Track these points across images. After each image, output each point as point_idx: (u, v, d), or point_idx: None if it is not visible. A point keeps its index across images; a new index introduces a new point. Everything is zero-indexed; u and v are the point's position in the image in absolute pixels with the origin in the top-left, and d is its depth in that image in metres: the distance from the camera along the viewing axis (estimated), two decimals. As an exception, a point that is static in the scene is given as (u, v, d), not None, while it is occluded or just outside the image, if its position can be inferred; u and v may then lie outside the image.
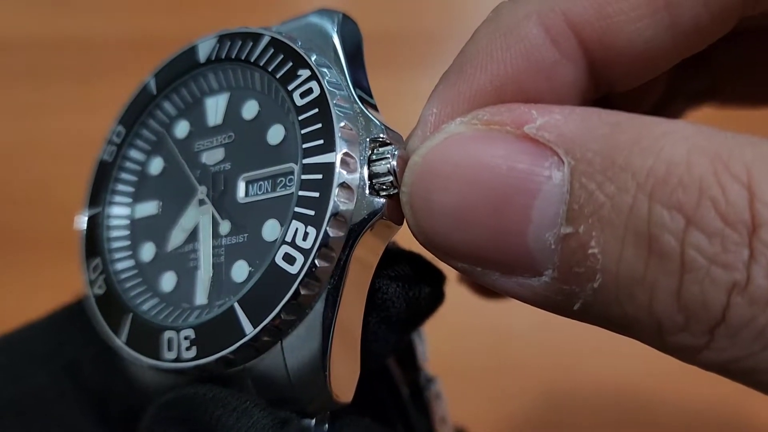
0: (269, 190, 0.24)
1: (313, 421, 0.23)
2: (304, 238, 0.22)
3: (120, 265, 0.27)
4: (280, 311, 0.22)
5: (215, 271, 0.25)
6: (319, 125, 0.23)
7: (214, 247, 0.25)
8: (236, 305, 0.23)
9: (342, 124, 0.23)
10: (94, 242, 0.27)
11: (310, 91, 0.23)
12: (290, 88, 0.24)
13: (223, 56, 0.26)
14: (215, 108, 0.27)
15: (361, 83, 0.25)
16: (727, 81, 0.31)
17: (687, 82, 0.31)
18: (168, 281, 0.26)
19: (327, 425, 0.24)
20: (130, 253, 0.27)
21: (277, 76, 0.24)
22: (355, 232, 0.22)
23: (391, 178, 0.22)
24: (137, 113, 0.28)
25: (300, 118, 0.23)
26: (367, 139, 0.23)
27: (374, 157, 0.23)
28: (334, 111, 0.23)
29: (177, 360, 0.23)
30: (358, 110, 0.24)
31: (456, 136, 0.21)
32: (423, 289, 0.25)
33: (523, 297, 0.20)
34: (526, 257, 0.19)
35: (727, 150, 0.17)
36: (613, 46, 0.22)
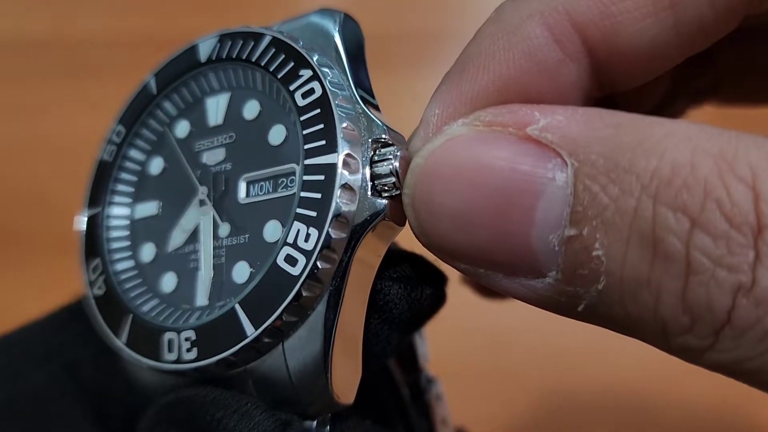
0: (270, 190, 0.24)
1: (315, 423, 0.23)
2: (306, 240, 0.22)
3: (120, 266, 0.26)
4: (281, 313, 0.22)
5: (216, 272, 0.24)
6: (321, 126, 0.23)
7: (214, 248, 0.25)
8: (237, 306, 0.22)
9: (344, 124, 0.22)
10: (93, 243, 0.27)
11: (311, 91, 0.23)
12: (292, 88, 0.24)
13: (224, 56, 0.26)
14: (216, 108, 0.26)
15: (363, 83, 0.25)
16: (729, 79, 0.31)
17: (690, 81, 0.31)
18: (168, 282, 0.26)
19: (328, 427, 0.24)
20: (130, 253, 0.27)
21: (279, 77, 0.24)
22: (357, 233, 0.22)
23: (393, 179, 0.22)
24: (137, 113, 0.27)
25: (302, 118, 0.23)
26: (369, 140, 0.23)
27: (376, 158, 0.23)
28: (336, 112, 0.23)
29: (177, 361, 0.23)
30: (360, 111, 0.23)
31: (458, 137, 0.21)
32: (425, 291, 0.25)
33: (527, 298, 0.20)
34: (530, 259, 0.19)
35: (731, 150, 0.17)
36: (616, 45, 0.21)
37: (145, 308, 0.25)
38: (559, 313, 0.20)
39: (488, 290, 0.36)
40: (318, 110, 0.23)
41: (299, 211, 0.22)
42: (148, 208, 0.27)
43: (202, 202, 0.25)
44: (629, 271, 0.18)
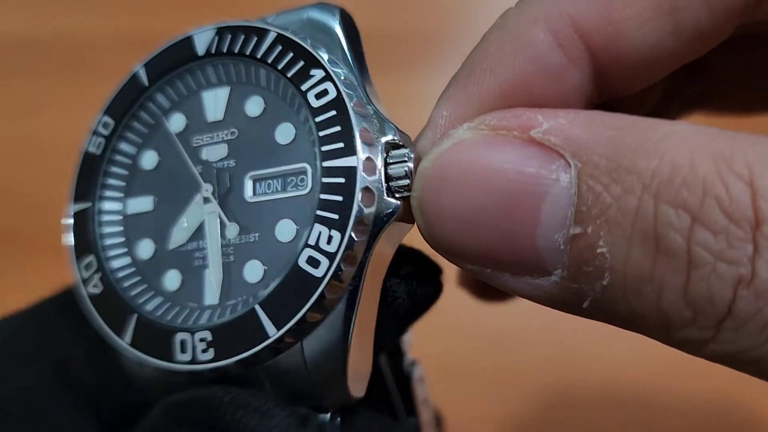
0: (279, 189, 0.24)
1: (328, 415, 0.24)
2: (329, 242, 0.22)
3: (116, 263, 0.26)
4: (305, 314, 0.22)
5: (225, 271, 0.24)
6: (338, 128, 0.23)
7: (222, 246, 0.25)
8: (258, 308, 0.23)
9: (361, 127, 0.23)
10: (85, 238, 0.26)
11: (325, 92, 0.23)
12: (304, 88, 0.24)
13: (225, 50, 0.25)
14: (214, 102, 0.26)
15: (367, 81, 0.25)
16: (721, 87, 0.33)
17: (682, 89, 0.33)
18: (172, 280, 0.25)
19: (339, 419, 0.24)
20: (125, 250, 0.26)
21: (288, 75, 0.24)
22: (374, 234, 0.23)
23: (408, 180, 0.23)
24: (127, 104, 0.27)
25: (317, 119, 0.23)
26: (383, 141, 0.23)
27: (390, 159, 0.23)
28: (353, 114, 0.23)
29: (192, 362, 0.23)
30: (372, 112, 0.24)
31: (464, 141, 0.21)
32: (426, 286, 0.26)
33: (533, 296, 0.21)
34: (536, 258, 0.20)
35: (729, 149, 0.18)
36: (618, 50, 0.22)
37: (149, 307, 0.25)
38: (564, 310, 0.21)
39: (486, 294, 0.37)
40: (333, 112, 0.23)
41: (320, 213, 0.22)
42: (142, 203, 0.26)
43: (206, 200, 0.25)
44: (632, 267, 0.18)
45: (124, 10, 0.51)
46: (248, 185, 0.25)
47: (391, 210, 0.23)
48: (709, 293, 0.17)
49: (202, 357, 0.23)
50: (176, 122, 0.26)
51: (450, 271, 0.27)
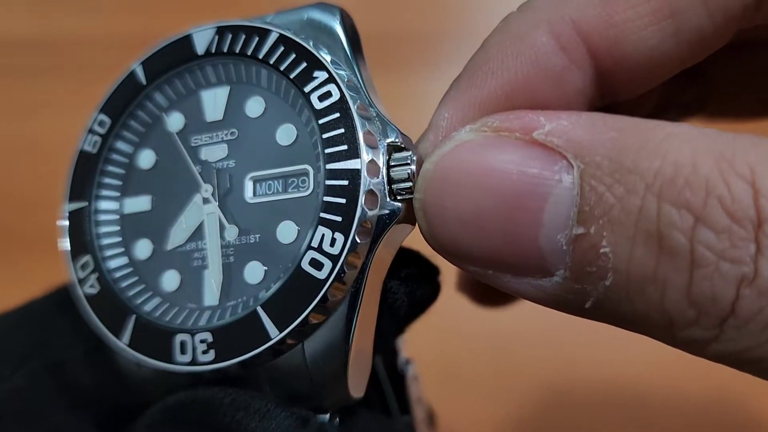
0: (280, 190, 0.24)
1: (328, 416, 0.24)
2: (332, 244, 0.22)
3: (113, 263, 0.26)
4: (307, 315, 0.22)
5: (225, 272, 0.24)
6: (342, 130, 0.23)
7: (222, 247, 0.25)
8: (260, 309, 0.23)
9: (365, 130, 0.23)
10: (81, 238, 0.26)
11: (329, 94, 0.23)
12: (307, 90, 0.24)
13: (225, 50, 0.25)
14: (213, 102, 0.26)
15: (369, 83, 0.25)
16: (719, 93, 0.33)
17: (679, 95, 0.33)
18: (170, 280, 0.25)
19: (337, 419, 0.25)
20: (122, 250, 0.26)
21: (291, 76, 0.24)
22: (377, 236, 0.23)
23: (410, 183, 0.23)
24: (124, 103, 0.26)
25: (320, 121, 0.23)
26: (385, 143, 0.23)
27: (392, 162, 0.23)
28: (356, 117, 0.23)
29: (193, 363, 0.23)
30: (374, 114, 0.24)
31: (466, 143, 0.21)
32: (426, 287, 0.26)
33: (535, 297, 0.21)
34: (538, 259, 0.20)
35: (730, 150, 0.18)
36: (620, 53, 0.23)
37: (147, 307, 0.25)
38: (566, 311, 0.21)
39: (485, 299, 0.37)
40: (337, 114, 0.23)
41: (323, 215, 0.22)
42: (139, 203, 0.26)
43: (205, 200, 0.25)
44: (636, 266, 0.18)
45: (124, 10, 0.51)
46: (248, 186, 0.25)
47: (393, 212, 0.23)
48: (713, 292, 0.18)
49: (202, 358, 0.23)
50: (174, 121, 0.26)
51: (448, 273, 0.27)
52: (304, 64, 0.24)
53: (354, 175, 0.22)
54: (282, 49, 0.24)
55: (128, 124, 0.26)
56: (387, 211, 0.23)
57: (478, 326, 0.45)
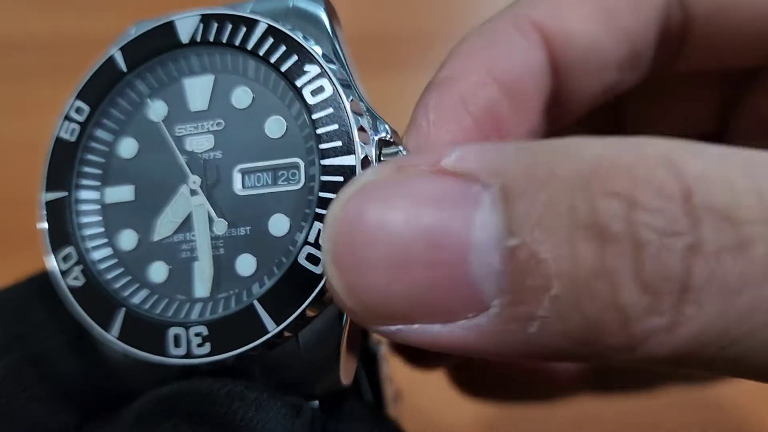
0: (269, 183, 0.24)
1: (317, 402, 0.25)
2: None
3: (96, 255, 0.25)
4: (304, 309, 0.23)
5: (216, 264, 0.24)
6: (335, 126, 0.23)
7: (211, 239, 0.25)
8: (256, 303, 0.23)
9: (358, 125, 0.23)
10: (61, 229, 0.25)
11: (321, 89, 0.24)
12: (299, 84, 0.24)
13: (211, 39, 0.25)
14: (198, 91, 0.26)
15: (356, 75, 0.25)
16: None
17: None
18: (158, 272, 0.25)
19: (326, 405, 0.25)
20: (105, 240, 0.26)
21: (282, 70, 0.24)
22: None
23: None
24: (104, 90, 0.26)
25: (314, 116, 0.23)
26: (376, 139, 0.24)
27: (383, 157, 0.24)
28: (350, 113, 0.23)
29: (187, 356, 0.23)
30: (365, 108, 0.24)
31: (372, 183, 0.20)
32: None
33: (469, 343, 0.19)
34: (470, 291, 0.19)
35: (637, 142, 0.18)
36: (564, 40, 0.27)
37: (136, 300, 0.25)
38: (506, 351, 0.19)
39: (418, 358, 0.37)
40: (330, 110, 0.23)
41: (319, 211, 0.23)
42: (121, 193, 0.26)
43: (193, 192, 0.25)
44: (581, 264, 0.18)
45: (124, 10, 0.49)
46: (237, 178, 0.25)
47: None
48: (663, 269, 0.17)
49: (197, 351, 0.23)
50: (157, 110, 0.26)
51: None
52: (295, 58, 0.24)
53: (349, 171, 0.23)
54: (271, 41, 0.24)
55: (108, 112, 0.26)
56: None
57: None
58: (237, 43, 0.25)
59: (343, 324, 0.24)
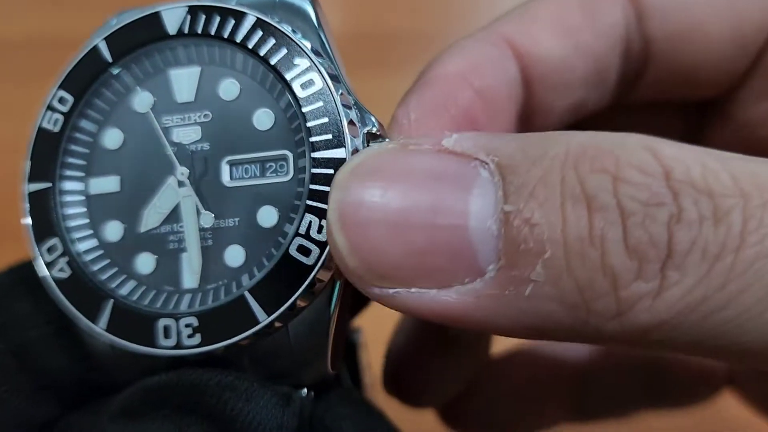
0: (257, 174, 0.25)
1: (305, 391, 0.25)
2: (319, 231, 0.23)
3: (82, 246, 0.25)
4: (295, 300, 0.23)
5: (204, 255, 0.25)
6: (326, 120, 0.24)
7: (200, 230, 0.25)
8: (247, 294, 0.23)
9: (348, 119, 0.24)
10: (45, 220, 0.25)
11: (311, 82, 0.24)
12: (288, 77, 0.24)
13: (198, 31, 0.25)
14: (185, 82, 0.25)
15: (342, 68, 0.26)
16: None
17: None
18: (145, 263, 0.25)
19: (312, 393, 0.26)
20: (90, 232, 0.26)
21: (271, 62, 0.24)
22: None
23: None
24: (87, 80, 0.26)
25: (304, 110, 0.24)
26: (364, 132, 0.24)
27: None
28: (340, 106, 0.24)
29: (177, 347, 0.24)
30: (353, 102, 0.25)
31: (380, 152, 0.22)
32: None
33: (465, 309, 0.20)
34: (468, 255, 0.20)
35: (621, 134, 0.20)
36: (532, 54, 0.29)
37: (123, 291, 0.25)
38: (500, 320, 0.20)
39: (412, 395, 0.38)
40: (320, 103, 0.24)
41: (310, 203, 0.23)
42: (106, 184, 0.26)
43: (180, 183, 0.25)
44: (571, 230, 0.19)
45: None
46: (225, 170, 0.25)
47: None
48: (648, 236, 0.19)
49: (188, 342, 0.24)
50: (142, 101, 0.26)
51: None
52: (284, 51, 0.24)
53: (339, 164, 0.23)
54: (260, 33, 0.24)
55: (92, 102, 0.26)
56: None
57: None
58: (225, 35, 0.25)
59: (331, 312, 0.24)
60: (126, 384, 0.25)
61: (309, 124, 0.24)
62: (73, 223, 0.25)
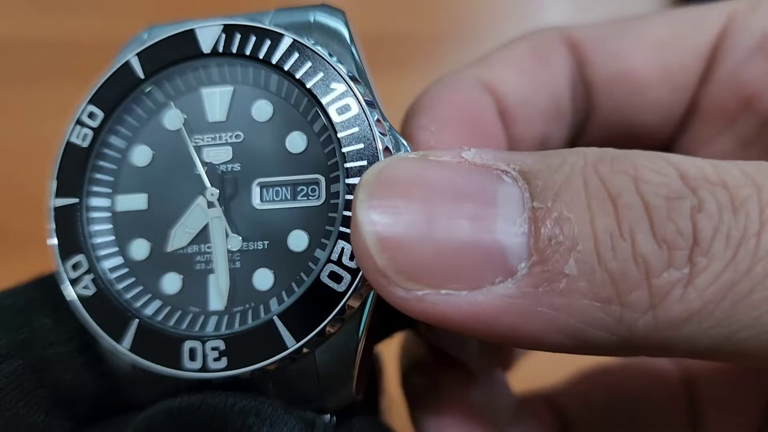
0: (288, 198, 0.24)
1: (328, 416, 0.25)
2: (351, 258, 0.23)
3: (107, 263, 0.25)
4: (325, 327, 0.23)
5: (231, 277, 0.24)
6: (361, 146, 0.23)
7: (228, 252, 0.24)
8: (276, 319, 0.23)
9: (384, 146, 0.23)
10: (72, 236, 0.25)
11: (347, 107, 0.24)
12: (324, 101, 0.24)
13: (234, 50, 0.25)
14: (216, 102, 0.25)
15: (377, 92, 0.25)
16: None
17: None
18: (171, 283, 0.25)
19: (335, 418, 0.25)
20: (116, 249, 0.25)
21: (307, 86, 0.24)
22: None
23: None
24: (119, 96, 0.25)
25: (339, 135, 0.23)
26: None
27: None
28: (376, 133, 0.23)
29: (203, 370, 0.23)
30: (388, 128, 0.24)
31: (404, 157, 0.22)
32: None
33: (495, 310, 0.20)
34: (498, 254, 0.20)
35: (627, 150, 0.21)
36: (499, 91, 0.30)
37: (148, 311, 0.24)
38: (532, 323, 0.20)
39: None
40: (356, 128, 0.23)
41: (343, 230, 0.23)
42: (134, 201, 0.25)
43: (210, 204, 0.25)
44: (600, 225, 0.20)
45: (128, 12, 0.48)
46: (256, 192, 0.25)
47: None
48: (675, 226, 0.20)
49: (214, 365, 0.23)
50: (172, 119, 0.26)
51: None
52: (321, 74, 0.24)
53: None
54: (296, 56, 0.24)
55: (123, 119, 0.25)
56: None
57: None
58: (261, 56, 0.24)
59: (359, 337, 0.24)
60: (145, 404, 0.25)
61: (344, 150, 0.23)
62: (99, 240, 0.25)
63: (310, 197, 0.24)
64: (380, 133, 0.24)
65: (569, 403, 0.37)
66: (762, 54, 0.30)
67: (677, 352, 0.21)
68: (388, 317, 0.27)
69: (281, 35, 0.24)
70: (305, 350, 0.23)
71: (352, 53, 0.25)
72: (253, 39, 0.25)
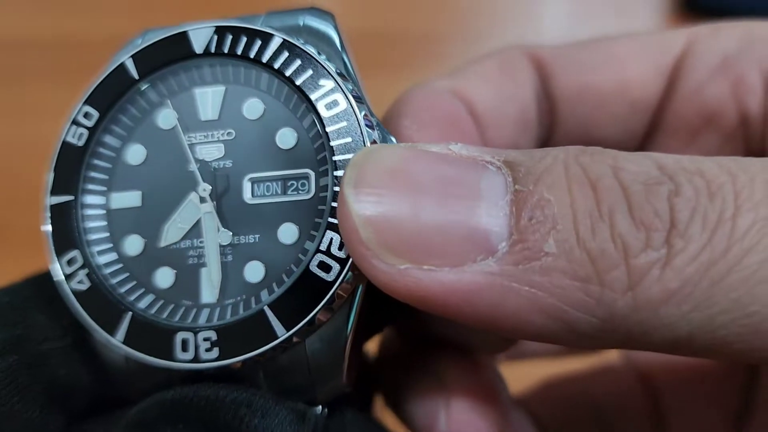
0: (279, 192, 0.25)
1: (320, 408, 0.25)
2: (340, 248, 0.23)
3: (102, 259, 0.25)
4: (314, 315, 0.23)
5: (223, 270, 0.25)
6: (349, 139, 0.24)
7: (220, 246, 0.25)
8: (267, 309, 0.23)
9: (371, 139, 0.24)
10: (67, 233, 0.25)
11: (335, 103, 0.24)
12: (314, 97, 0.24)
13: (225, 51, 0.25)
14: (208, 101, 0.26)
15: (364, 89, 0.26)
16: None
17: None
18: (164, 277, 0.25)
19: (326, 410, 0.26)
20: (110, 245, 0.26)
21: (297, 83, 0.25)
22: None
23: None
24: (114, 96, 0.26)
25: (328, 129, 0.24)
26: None
27: None
28: (363, 126, 0.24)
29: (195, 360, 0.24)
30: (375, 123, 0.25)
31: (391, 146, 0.23)
32: None
33: (477, 287, 0.21)
34: (481, 233, 0.21)
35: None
36: (470, 100, 0.31)
37: (142, 305, 0.25)
38: (511, 302, 0.21)
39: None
40: (344, 123, 0.24)
41: (332, 220, 0.23)
42: (128, 199, 0.26)
43: (202, 199, 0.25)
44: (579, 206, 0.21)
45: (125, 12, 0.49)
46: (247, 187, 0.25)
47: None
48: (653, 208, 0.20)
49: (205, 356, 0.24)
50: (166, 118, 0.26)
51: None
52: (310, 72, 0.25)
53: None
54: (286, 55, 0.25)
55: (117, 118, 0.26)
56: None
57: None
58: (252, 55, 0.25)
59: (350, 325, 0.24)
60: (139, 398, 0.25)
61: (333, 144, 0.24)
62: (93, 237, 0.26)
63: (300, 191, 0.25)
64: (368, 126, 0.24)
65: (539, 410, 0.38)
66: (723, 74, 0.31)
67: (659, 342, 0.21)
68: (378, 310, 0.27)
69: (271, 35, 0.25)
70: (295, 339, 0.24)
71: (341, 55, 0.26)
72: (244, 39, 0.25)
